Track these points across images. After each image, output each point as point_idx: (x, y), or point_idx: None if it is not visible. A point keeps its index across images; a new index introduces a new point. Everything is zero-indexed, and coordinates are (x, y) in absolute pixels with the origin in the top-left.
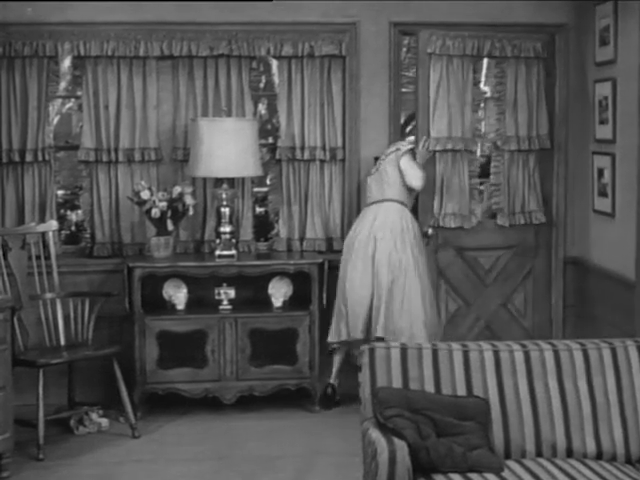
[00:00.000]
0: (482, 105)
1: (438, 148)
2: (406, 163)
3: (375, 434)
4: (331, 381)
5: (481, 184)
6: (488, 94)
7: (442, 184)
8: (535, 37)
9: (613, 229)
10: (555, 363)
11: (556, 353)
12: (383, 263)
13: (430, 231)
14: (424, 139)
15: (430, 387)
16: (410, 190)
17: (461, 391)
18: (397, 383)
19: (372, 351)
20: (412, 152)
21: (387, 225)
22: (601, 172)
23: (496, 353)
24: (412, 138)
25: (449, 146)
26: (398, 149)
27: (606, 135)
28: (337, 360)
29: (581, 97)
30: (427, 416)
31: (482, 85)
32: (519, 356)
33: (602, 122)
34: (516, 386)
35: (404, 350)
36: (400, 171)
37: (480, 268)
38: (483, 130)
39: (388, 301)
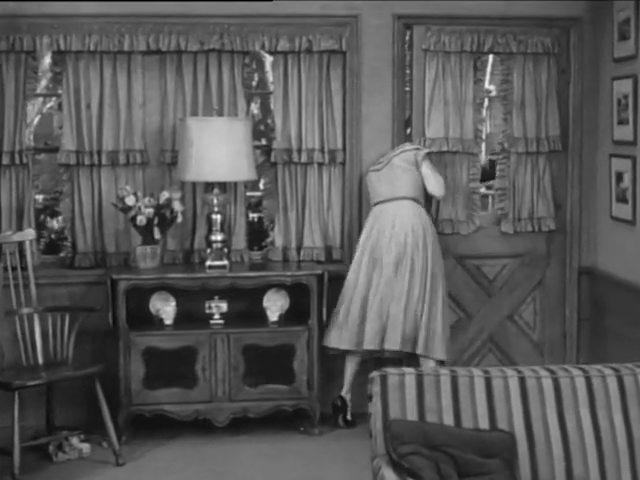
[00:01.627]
0: (486, 105)
1: (434, 150)
2: (428, 169)
3: (389, 474)
4: (342, 394)
5: (488, 188)
6: (493, 93)
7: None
8: (544, 32)
9: (633, 237)
10: (587, 391)
11: (588, 380)
12: (407, 270)
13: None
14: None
15: (449, 419)
16: (428, 194)
17: (484, 424)
18: (412, 415)
19: (384, 378)
20: (430, 156)
21: (408, 228)
22: (620, 176)
23: (522, 380)
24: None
25: (445, 148)
26: (418, 149)
27: (626, 136)
28: (349, 370)
29: (597, 95)
30: (447, 453)
31: (486, 84)
32: (547, 384)
33: (621, 122)
34: (545, 418)
35: (420, 377)
36: (420, 174)
37: (483, 277)
38: (489, 131)
39: (414, 310)
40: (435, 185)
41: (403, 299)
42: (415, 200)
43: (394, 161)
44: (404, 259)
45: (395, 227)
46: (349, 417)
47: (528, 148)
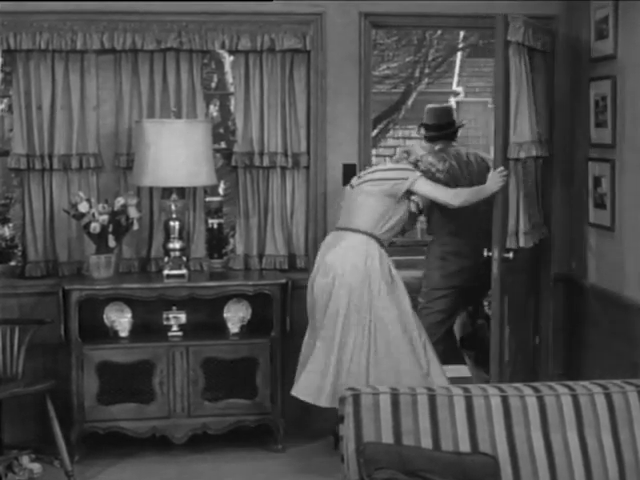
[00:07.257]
0: None
1: (522, 155)
2: (425, 187)
3: None
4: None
5: None
6: (462, 95)
7: (517, 196)
8: None
9: (613, 244)
10: (575, 411)
11: (575, 398)
12: (340, 313)
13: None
14: (500, 169)
15: (427, 442)
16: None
17: (464, 447)
18: (388, 438)
19: (357, 398)
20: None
21: (347, 268)
22: (598, 180)
23: (504, 399)
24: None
25: (534, 152)
26: (403, 179)
27: (604, 139)
28: None
29: (572, 97)
30: (425, 478)
31: (454, 85)
32: (532, 403)
33: (599, 125)
34: (529, 440)
35: (395, 397)
36: (411, 200)
37: None
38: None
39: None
40: (445, 197)
41: (335, 349)
42: (368, 234)
43: (364, 187)
44: (331, 303)
45: (327, 264)
46: None
47: None
